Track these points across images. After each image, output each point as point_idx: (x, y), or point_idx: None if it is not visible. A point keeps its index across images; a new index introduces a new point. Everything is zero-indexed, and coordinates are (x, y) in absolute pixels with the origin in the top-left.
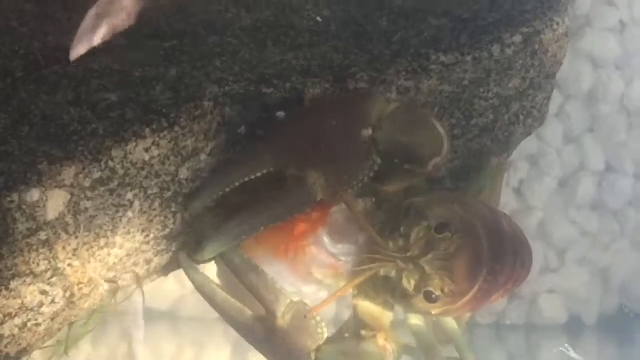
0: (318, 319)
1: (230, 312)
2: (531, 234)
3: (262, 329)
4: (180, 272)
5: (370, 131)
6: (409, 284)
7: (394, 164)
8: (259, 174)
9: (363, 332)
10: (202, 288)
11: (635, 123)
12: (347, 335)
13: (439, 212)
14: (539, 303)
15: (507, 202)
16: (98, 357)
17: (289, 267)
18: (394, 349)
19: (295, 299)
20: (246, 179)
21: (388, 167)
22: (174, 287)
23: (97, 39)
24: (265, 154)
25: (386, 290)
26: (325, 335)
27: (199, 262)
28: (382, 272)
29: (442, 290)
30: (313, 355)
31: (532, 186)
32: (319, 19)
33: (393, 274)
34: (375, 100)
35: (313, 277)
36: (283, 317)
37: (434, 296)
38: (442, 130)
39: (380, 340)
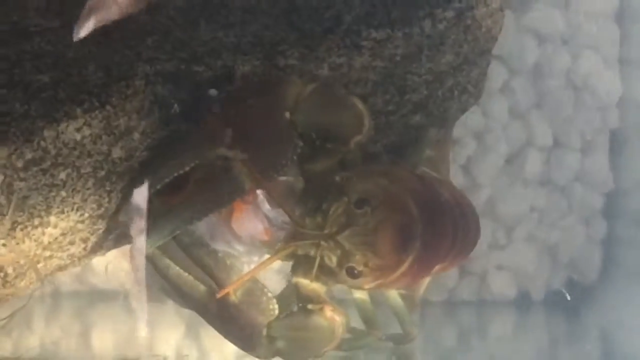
0: (269, 295)
1: (183, 288)
2: (479, 211)
3: (214, 305)
4: None
5: (288, 115)
6: (331, 261)
7: (317, 145)
8: (187, 169)
9: (310, 306)
10: (154, 262)
11: (582, 98)
12: (295, 309)
13: (359, 187)
14: (488, 279)
15: (454, 179)
16: (52, 337)
17: (224, 223)
18: (342, 320)
19: (237, 266)
20: (175, 175)
21: (312, 148)
22: (126, 266)
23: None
24: (190, 149)
25: (312, 267)
26: (277, 312)
27: None
28: (299, 251)
29: (366, 265)
30: (264, 331)
31: (479, 163)
32: None
33: (312, 252)
34: (290, 84)
35: (246, 237)
36: (234, 292)
37: (356, 271)
38: (362, 108)
39: (328, 312)
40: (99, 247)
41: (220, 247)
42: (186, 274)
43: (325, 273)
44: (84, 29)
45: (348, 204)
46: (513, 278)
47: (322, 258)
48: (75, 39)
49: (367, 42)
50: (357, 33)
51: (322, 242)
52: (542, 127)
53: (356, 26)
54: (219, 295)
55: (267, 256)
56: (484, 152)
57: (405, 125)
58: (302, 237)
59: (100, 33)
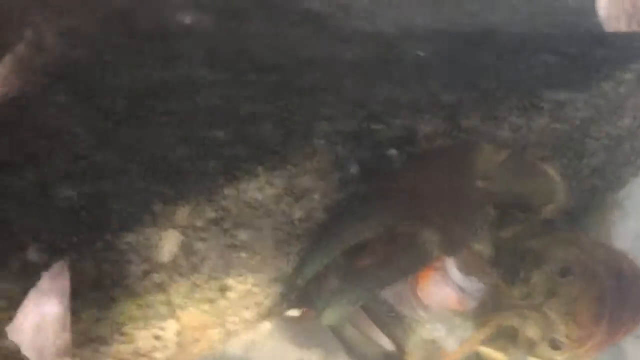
0: None
1: (358, 347)
2: None
3: None
4: None
5: (480, 182)
6: (534, 331)
7: (509, 213)
8: (369, 235)
9: None
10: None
11: None
12: None
13: (560, 255)
14: (625, 348)
15: None
16: None
17: (409, 288)
18: None
19: (428, 337)
20: (358, 240)
21: (503, 216)
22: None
23: None
24: (374, 214)
25: (508, 337)
26: None
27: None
28: (506, 321)
29: (568, 336)
30: None
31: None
32: (420, 53)
33: (515, 322)
34: (482, 150)
35: (434, 305)
36: (412, 353)
37: (559, 343)
38: (555, 176)
39: None
40: (270, 312)
41: (404, 312)
42: (361, 334)
43: (522, 344)
44: None
45: (551, 273)
46: None
47: (524, 328)
48: None
49: (547, 104)
50: (537, 94)
51: (527, 312)
52: None
53: (536, 87)
54: None
55: (456, 324)
56: None
57: (581, 190)
58: (507, 306)
59: (274, 87)
